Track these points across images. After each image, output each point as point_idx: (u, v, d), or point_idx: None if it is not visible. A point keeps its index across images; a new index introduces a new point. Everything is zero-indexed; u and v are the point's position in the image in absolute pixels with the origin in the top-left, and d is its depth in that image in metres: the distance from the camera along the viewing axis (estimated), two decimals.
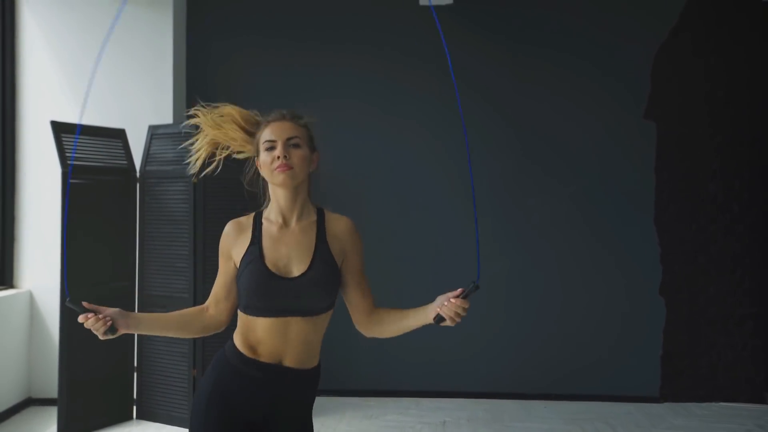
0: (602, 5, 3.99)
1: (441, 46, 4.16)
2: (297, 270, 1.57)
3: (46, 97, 3.82)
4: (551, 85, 4.01)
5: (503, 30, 4.02)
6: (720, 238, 3.97)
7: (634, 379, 3.95)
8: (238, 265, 1.60)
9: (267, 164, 1.58)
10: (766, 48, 3.96)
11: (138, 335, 3.45)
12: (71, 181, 3.19)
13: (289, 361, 1.57)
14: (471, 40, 4.00)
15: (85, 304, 1.47)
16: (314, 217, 1.64)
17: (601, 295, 3.99)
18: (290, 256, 1.58)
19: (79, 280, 3.22)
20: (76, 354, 3.21)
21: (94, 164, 3.33)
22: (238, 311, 1.62)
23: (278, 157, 1.56)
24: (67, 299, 1.47)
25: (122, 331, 1.51)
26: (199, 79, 4.05)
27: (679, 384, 3.96)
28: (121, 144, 3.48)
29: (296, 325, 1.55)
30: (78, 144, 3.28)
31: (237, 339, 1.60)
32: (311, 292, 1.55)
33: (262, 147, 1.60)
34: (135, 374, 3.47)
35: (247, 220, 1.64)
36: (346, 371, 3.92)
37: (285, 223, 1.62)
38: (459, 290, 1.48)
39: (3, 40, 3.77)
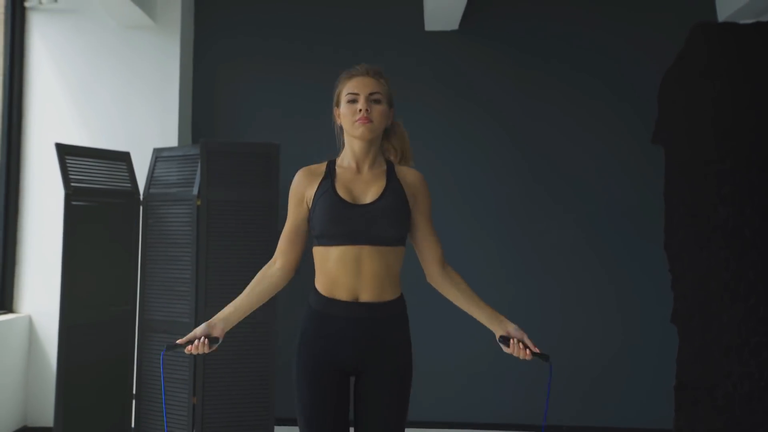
0: (610, 29, 4.00)
1: (446, 71, 4.19)
2: (369, 199, 1.64)
3: (51, 119, 3.83)
4: (559, 109, 3.99)
5: (509, 54, 4.02)
6: (732, 264, 3.89)
7: (647, 411, 3.83)
8: (310, 204, 1.67)
9: (348, 116, 1.68)
10: None
11: (137, 361, 3.37)
12: (74, 203, 3.15)
13: (365, 296, 1.62)
14: (477, 65, 4.01)
15: (179, 341, 1.60)
16: (385, 167, 1.72)
17: (612, 322, 3.90)
18: (362, 192, 1.66)
19: (80, 303, 3.17)
20: (74, 381, 3.14)
21: (97, 186, 3.31)
22: (314, 249, 1.68)
23: (360, 110, 1.64)
24: (163, 352, 1.61)
25: (222, 336, 1.64)
26: (204, 103, 4.06)
27: (694, 416, 3.83)
28: (125, 166, 3.46)
29: (368, 256, 1.60)
30: (82, 166, 3.26)
31: (317, 283, 1.68)
32: (381, 219, 1.61)
33: (343, 99, 1.72)
34: (133, 401, 3.38)
35: (318, 166, 1.75)
36: None
37: (358, 169, 1.70)
38: (536, 350, 1.60)
39: (12, 63, 3.80)
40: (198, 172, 3.27)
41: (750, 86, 3.96)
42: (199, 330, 1.60)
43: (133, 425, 3.38)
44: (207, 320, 3.18)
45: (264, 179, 3.26)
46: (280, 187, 3.32)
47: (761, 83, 3.96)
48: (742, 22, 3.94)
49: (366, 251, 1.60)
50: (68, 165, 3.18)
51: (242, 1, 4.10)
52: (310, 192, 1.68)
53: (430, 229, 1.73)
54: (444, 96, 4.01)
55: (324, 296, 1.65)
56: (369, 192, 1.65)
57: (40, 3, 3.80)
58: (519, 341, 1.59)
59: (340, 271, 1.61)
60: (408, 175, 1.72)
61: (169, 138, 3.79)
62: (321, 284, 1.67)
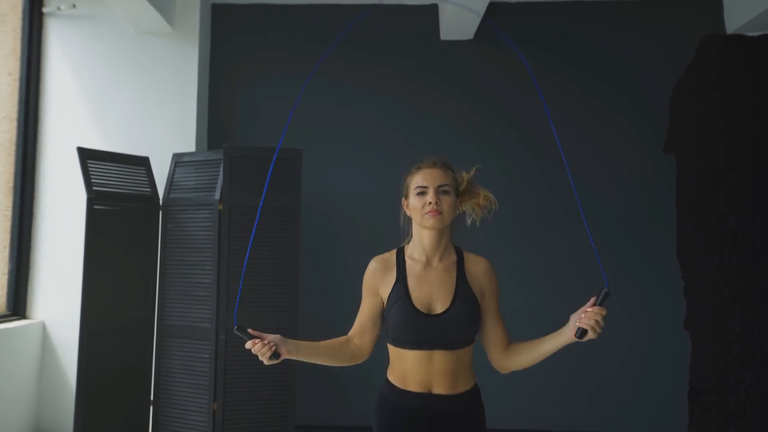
0: (623, 40, 4.07)
1: (462, 80, 4.20)
2: (440, 308, 1.65)
3: (68, 125, 3.82)
4: (573, 117, 4.04)
5: (523, 64, 4.07)
6: (743, 272, 3.94)
7: (661, 416, 3.86)
8: (385, 301, 1.69)
9: (417, 208, 1.69)
10: None
11: (155, 367, 3.35)
12: (96, 207, 3.14)
13: (437, 389, 1.64)
14: (491, 74, 4.06)
15: (250, 330, 1.55)
16: (455, 258, 1.74)
17: (626, 329, 3.93)
18: (433, 295, 1.67)
19: (99, 308, 3.15)
20: (93, 386, 3.10)
21: (117, 191, 3.30)
22: (388, 344, 1.71)
23: (429, 203, 1.66)
24: (235, 327, 1.53)
25: (284, 357, 1.58)
26: (221, 108, 4.08)
27: (707, 422, 3.86)
28: (144, 171, 3.46)
29: (440, 356, 1.63)
30: (103, 170, 3.25)
31: (390, 374, 1.72)
32: (453, 328, 1.63)
33: (412, 191, 1.72)
34: (151, 407, 3.35)
35: (391, 256, 1.75)
36: (371, 405, 3.80)
37: (428, 262, 1.71)
38: (591, 299, 1.52)
39: (29, 68, 3.79)
40: (219, 177, 3.27)
41: (759, 97, 4.04)
42: (272, 336, 1.57)
43: (150, 431, 3.35)
44: (227, 326, 3.19)
45: (287, 184, 3.27)
46: (301, 192, 3.33)
47: None
48: (749, 34, 4.03)
49: (438, 353, 1.63)
50: (90, 169, 3.17)
51: (259, 8, 4.13)
52: (385, 290, 1.70)
53: (497, 321, 1.73)
54: (459, 104, 4.05)
55: (397, 387, 1.68)
56: (440, 297, 1.66)
57: (59, 9, 3.81)
58: (583, 315, 1.50)
59: (413, 369, 1.65)
60: (475, 266, 1.73)
61: (187, 143, 3.80)
62: (394, 376, 1.70)
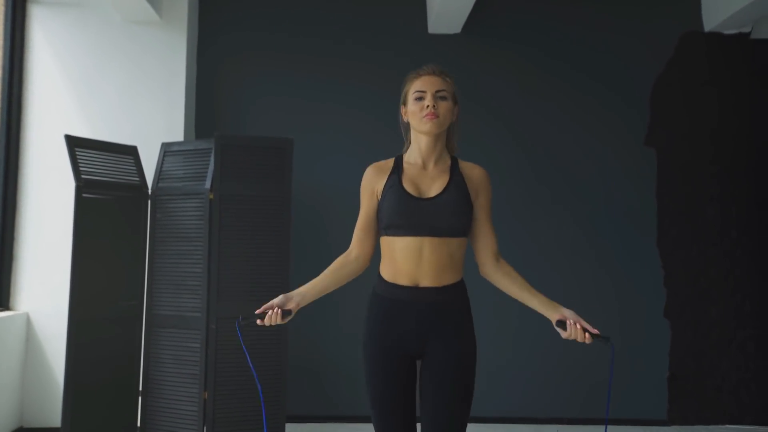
0: (610, 34, 4.15)
1: (449, 73, 4.23)
2: (433, 193, 1.72)
3: (52, 115, 3.77)
4: (561, 110, 4.12)
5: (512, 57, 4.14)
6: (720, 261, 4.08)
7: (641, 402, 3.96)
8: (380, 197, 1.76)
9: (415, 113, 1.75)
10: (756, 80, 4.17)
11: (144, 357, 3.33)
12: (84, 195, 3.11)
13: (424, 282, 1.70)
14: (479, 68, 4.12)
15: (256, 312, 1.63)
16: (449, 163, 1.80)
17: (607, 317, 4.03)
18: (427, 185, 1.74)
19: (88, 299, 3.12)
20: (81, 377, 3.07)
21: (105, 179, 3.27)
22: (381, 239, 1.77)
23: (427, 106, 1.72)
24: (240, 321, 1.60)
25: (296, 309, 1.67)
26: (209, 98, 4.06)
27: (685, 406, 3.99)
28: (132, 160, 3.43)
29: (429, 246, 1.68)
30: (91, 159, 3.22)
31: (382, 271, 1.78)
32: (444, 212, 1.69)
33: (411, 97, 1.78)
34: (139, 398, 3.33)
35: (386, 162, 1.82)
36: (355, 397, 3.83)
37: (424, 166, 1.78)
38: (595, 331, 1.59)
39: (11, 57, 3.72)
40: (210, 166, 3.26)
41: (736, 93, 4.18)
42: (276, 301, 1.64)
43: (139, 424, 3.32)
44: (218, 315, 3.18)
45: (277, 174, 3.28)
46: (292, 181, 3.34)
47: (746, 90, 4.18)
48: (726, 32, 4.16)
49: (427, 242, 1.68)
50: (78, 157, 3.14)
51: None
52: (379, 186, 1.77)
53: (487, 223, 1.78)
54: None
55: (387, 282, 1.74)
56: (433, 186, 1.73)
57: None
58: (576, 323, 1.59)
59: (403, 260, 1.70)
60: (471, 170, 1.79)
61: (175, 133, 3.77)
62: (385, 271, 1.76)
